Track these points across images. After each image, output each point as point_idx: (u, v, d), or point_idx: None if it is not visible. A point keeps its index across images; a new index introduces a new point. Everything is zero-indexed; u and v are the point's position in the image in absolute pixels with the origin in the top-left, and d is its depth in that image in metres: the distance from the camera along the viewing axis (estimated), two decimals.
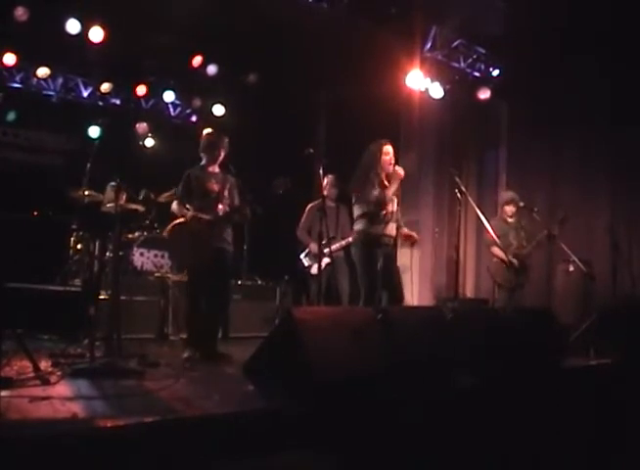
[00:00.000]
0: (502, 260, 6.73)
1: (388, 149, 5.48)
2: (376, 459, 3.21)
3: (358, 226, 5.41)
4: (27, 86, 9.06)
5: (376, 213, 5.31)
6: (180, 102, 10.38)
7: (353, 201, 5.49)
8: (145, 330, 6.09)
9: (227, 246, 5.18)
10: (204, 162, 5.29)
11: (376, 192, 5.31)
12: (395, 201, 5.49)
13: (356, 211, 5.46)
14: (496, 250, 6.73)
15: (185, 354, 4.83)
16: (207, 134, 5.35)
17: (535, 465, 3.82)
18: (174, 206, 5.25)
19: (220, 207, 5.12)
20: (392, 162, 5.45)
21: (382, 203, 5.29)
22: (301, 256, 6.73)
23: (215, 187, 5.17)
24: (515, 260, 6.69)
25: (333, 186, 6.80)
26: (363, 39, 7.47)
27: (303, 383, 3.42)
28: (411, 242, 5.77)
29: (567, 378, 4.89)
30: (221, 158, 5.26)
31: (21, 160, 8.94)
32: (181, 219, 5.11)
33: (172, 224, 5.12)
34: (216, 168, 5.28)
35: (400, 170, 5.42)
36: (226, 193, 5.21)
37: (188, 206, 5.17)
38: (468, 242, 8.95)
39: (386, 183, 5.37)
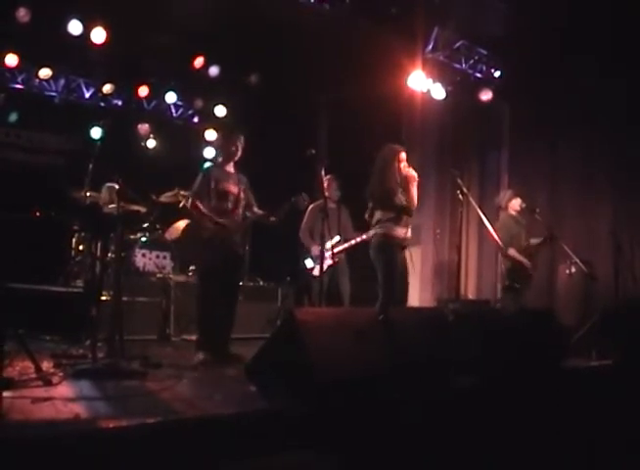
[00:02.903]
0: (521, 263, 6.67)
1: (403, 156, 5.53)
2: (377, 459, 3.21)
3: (381, 230, 5.44)
4: (29, 87, 9.06)
5: (400, 218, 5.38)
6: (182, 103, 10.37)
7: (370, 205, 5.55)
8: (147, 331, 6.09)
9: (242, 249, 5.20)
10: (220, 160, 5.24)
11: (402, 198, 5.36)
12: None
13: (378, 215, 5.49)
14: (513, 252, 6.65)
15: (200, 357, 4.78)
16: (223, 132, 5.30)
17: (535, 465, 3.82)
18: (190, 203, 5.11)
19: (238, 211, 5.10)
20: (406, 167, 5.51)
21: (407, 208, 5.36)
22: (306, 261, 6.79)
23: (234, 189, 5.10)
24: (530, 263, 6.69)
25: (333, 187, 6.81)
26: (365, 40, 7.46)
27: (305, 383, 3.42)
28: None
29: (568, 379, 4.89)
30: (237, 156, 5.19)
31: (23, 160, 8.94)
32: (188, 221, 5.07)
33: (185, 226, 5.07)
34: (232, 168, 5.21)
35: (414, 172, 5.47)
36: (242, 195, 5.17)
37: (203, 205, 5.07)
38: (469, 243, 8.94)
39: (406, 187, 5.43)
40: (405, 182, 5.44)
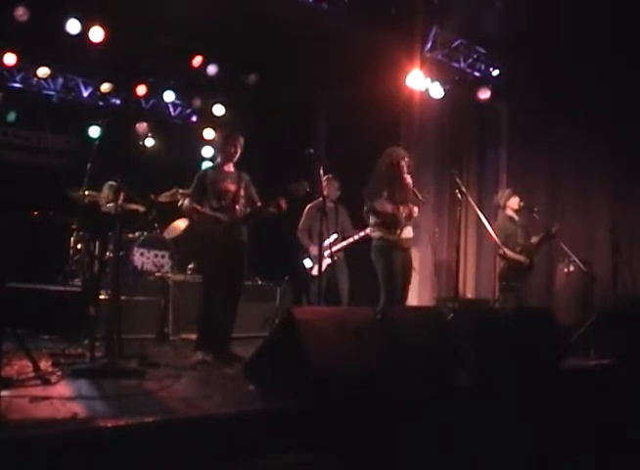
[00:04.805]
0: (517, 261, 6.65)
1: (406, 161, 5.52)
2: (376, 459, 3.21)
3: (377, 234, 5.54)
4: (28, 86, 9.05)
5: (391, 224, 5.40)
6: (180, 102, 10.36)
7: (365, 209, 5.58)
8: (145, 330, 6.09)
9: (243, 246, 5.15)
10: (218, 160, 5.24)
11: (390, 207, 5.39)
12: (410, 207, 5.58)
13: (372, 219, 5.57)
14: (509, 251, 6.63)
15: (198, 357, 4.76)
16: (222, 132, 5.29)
17: (535, 465, 3.82)
18: (187, 203, 5.12)
19: (237, 207, 5.08)
20: (408, 172, 5.52)
21: (395, 218, 5.39)
22: (304, 261, 6.79)
23: (232, 187, 5.09)
24: (527, 259, 6.66)
25: (334, 187, 6.81)
26: (363, 39, 7.46)
27: (304, 383, 3.42)
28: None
29: (566, 378, 4.89)
30: (237, 156, 5.18)
31: (21, 160, 8.94)
32: (188, 221, 5.05)
33: (185, 226, 5.05)
34: (231, 168, 5.21)
35: (418, 195, 5.52)
36: (242, 192, 5.15)
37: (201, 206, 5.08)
38: (468, 242, 8.95)
39: (399, 198, 5.44)
40: (404, 191, 5.46)
